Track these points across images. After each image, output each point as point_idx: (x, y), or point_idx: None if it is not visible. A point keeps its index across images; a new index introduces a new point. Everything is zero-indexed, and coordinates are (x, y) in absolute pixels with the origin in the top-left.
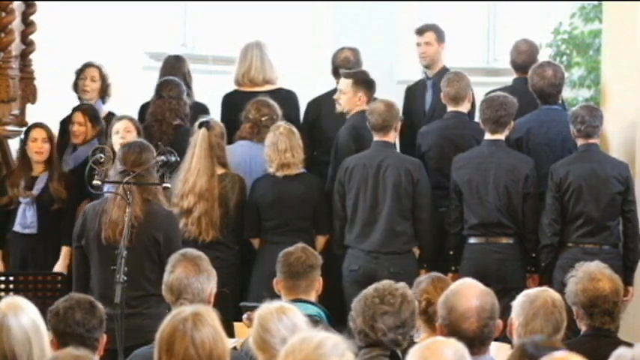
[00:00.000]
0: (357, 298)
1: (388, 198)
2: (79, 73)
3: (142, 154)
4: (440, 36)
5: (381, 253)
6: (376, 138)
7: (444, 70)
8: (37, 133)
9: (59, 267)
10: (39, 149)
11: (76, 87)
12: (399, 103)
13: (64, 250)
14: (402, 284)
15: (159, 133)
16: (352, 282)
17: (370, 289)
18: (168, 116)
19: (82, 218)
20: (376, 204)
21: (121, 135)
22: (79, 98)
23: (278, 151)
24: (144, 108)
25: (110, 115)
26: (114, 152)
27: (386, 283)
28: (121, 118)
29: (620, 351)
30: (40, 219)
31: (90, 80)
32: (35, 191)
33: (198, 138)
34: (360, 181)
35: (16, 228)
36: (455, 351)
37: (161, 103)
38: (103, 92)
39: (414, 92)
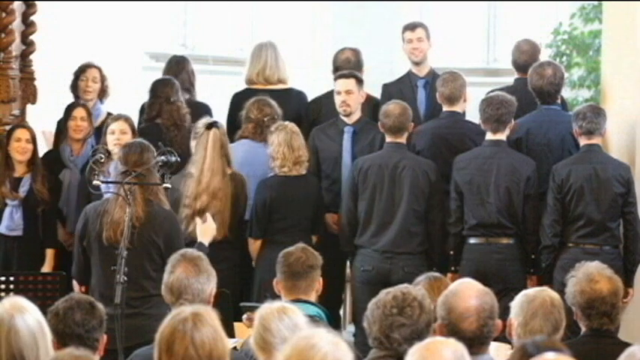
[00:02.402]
0: (373, 302)
1: (405, 199)
2: (80, 73)
3: (143, 155)
4: (428, 34)
5: (396, 254)
6: (389, 139)
7: (433, 71)
8: (21, 134)
9: (45, 270)
10: (23, 150)
11: (74, 88)
12: None
13: (49, 253)
14: (420, 292)
15: (179, 138)
16: (364, 282)
17: (388, 296)
18: (186, 120)
19: (83, 219)
20: (392, 204)
21: (117, 136)
22: (77, 98)
23: (293, 149)
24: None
25: (110, 116)
26: (108, 152)
27: (404, 290)
28: (117, 118)
29: (633, 349)
30: (26, 221)
31: (92, 81)
32: (21, 193)
33: (210, 138)
34: (376, 182)
35: (2, 230)
36: (454, 351)
37: (175, 108)
38: (103, 93)
39: (396, 90)
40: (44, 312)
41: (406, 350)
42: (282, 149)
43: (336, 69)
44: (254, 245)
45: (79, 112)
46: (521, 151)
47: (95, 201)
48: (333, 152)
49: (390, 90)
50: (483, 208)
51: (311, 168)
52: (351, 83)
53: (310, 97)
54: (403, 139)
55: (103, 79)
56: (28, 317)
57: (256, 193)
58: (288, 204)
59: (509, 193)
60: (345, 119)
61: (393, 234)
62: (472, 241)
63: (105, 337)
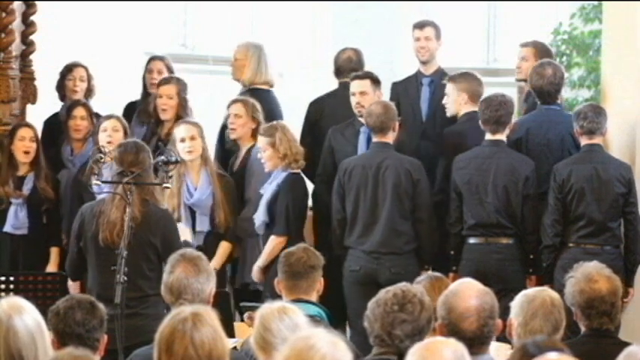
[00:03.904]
0: (373, 301)
1: (388, 198)
2: (66, 73)
3: (139, 155)
4: (438, 33)
5: (382, 254)
6: (375, 139)
7: (441, 71)
8: (26, 132)
9: (50, 268)
10: (27, 148)
11: (60, 87)
12: None
13: (54, 251)
14: (419, 289)
15: None
16: (353, 282)
17: (388, 294)
18: None
19: (79, 219)
20: (376, 205)
21: (109, 133)
22: (63, 98)
23: (298, 144)
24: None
25: (97, 117)
26: (102, 151)
27: (403, 288)
28: (109, 117)
29: (632, 348)
30: (30, 220)
31: (79, 80)
32: (25, 191)
33: None
34: (359, 182)
35: (7, 229)
36: (454, 351)
37: None
38: (89, 92)
39: (402, 89)
40: (44, 312)
41: (407, 347)
42: (295, 145)
43: (337, 69)
44: (283, 244)
45: (79, 111)
46: (521, 151)
47: (90, 201)
48: (348, 153)
49: (398, 89)
50: (482, 208)
51: (327, 168)
52: (365, 84)
53: (310, 98)
54: (388, 139)
55: (89, 78)
56: (27, 317)
57: (297, 190)
58: (306, 202)
59: (508, 193)
60: (361, 120)
61: (379, 234)
62: (472, 241)
63: (105, 337)
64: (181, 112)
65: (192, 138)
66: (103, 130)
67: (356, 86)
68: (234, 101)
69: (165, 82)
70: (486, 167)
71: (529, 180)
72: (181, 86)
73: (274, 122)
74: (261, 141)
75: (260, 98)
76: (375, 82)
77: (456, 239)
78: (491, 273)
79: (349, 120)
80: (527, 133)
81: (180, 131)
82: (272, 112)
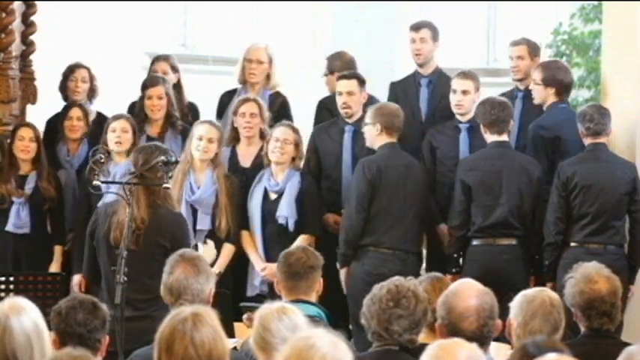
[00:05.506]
0: (368, 298)
1: (420, 198)
2: (68, 74)
3: (152, 157)
4: (435, 34)
5: (409, 253)
6: (391, 140)
7: (439, 70)
8: (25, 132)
9: (54, 267)
10: (26, 148)
11: (63, 89)
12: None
13: (58, 250)
14: (412, 282)
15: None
16: (371, 283)
17: (382, 290)
18: None
19: (94, 217)
20: (408, 203)
21: (118, 134)
22: (66, 99)
23: None
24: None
25: (100, 116)
26: (108, 152)
27: (397, 282)
28: (119, 117)
29: (631, 349)
30: (32, 219)
31: (81, 81)
32: (27, 191)
33: None
34: (395, 181)
35: (9, 228)
36: (469, 354)
37: None
38: (92, 92)
39: (400, 89)
40: (44, 312)
41: (406, 339)
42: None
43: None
44: (314, 244)
45: (75, 112)
46: (560, 149)
47: (94, 201)
48: (333, 152)
49: (396, 88)
50: (494, 210)
51: (312, 167)
52: (352, 84)
53: (309, 97)
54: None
55: (92, 78)
56: (25, 318)
57: (318, 194)
58: None
59: (522, 194)
60: (346, 119)
61: (406, 233)
62: (475, 242)
63: (107, 337)
64: (171, 110)
65: (210, 140)
66: (112, 130)
67: (343, 86)
68: (247, 100)
69: (153, 83)
70: (497, 169)
71: (540, 181)
72: (168, 84)
73: (290, 122)
74: (288, 134)
75: (282, 100)
76: (362, 82)
77: (460, 242)
78: (497, 274)
79: (332, 119)
80: (562, 130)
81: (199, 129)
82: (290, 113)
